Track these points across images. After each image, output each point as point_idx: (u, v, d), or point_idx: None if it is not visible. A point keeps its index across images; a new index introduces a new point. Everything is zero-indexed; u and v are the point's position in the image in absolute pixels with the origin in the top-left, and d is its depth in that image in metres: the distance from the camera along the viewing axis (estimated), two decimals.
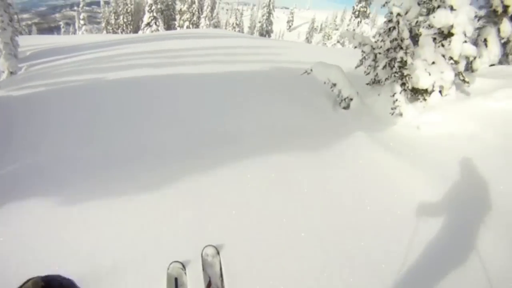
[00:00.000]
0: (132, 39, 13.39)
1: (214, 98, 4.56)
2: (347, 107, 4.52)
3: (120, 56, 7.82)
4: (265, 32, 39.52)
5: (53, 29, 37.61)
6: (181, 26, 29.29)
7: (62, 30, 35.49)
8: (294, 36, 53.94)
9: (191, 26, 28.97)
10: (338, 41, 25.68)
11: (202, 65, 6.67)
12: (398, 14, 4.20)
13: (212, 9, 36.86)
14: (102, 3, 38.23)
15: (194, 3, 28.79)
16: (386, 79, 4.52)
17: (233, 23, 40.65)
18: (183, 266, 2.02)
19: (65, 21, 46.49)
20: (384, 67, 4.53)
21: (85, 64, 7.19)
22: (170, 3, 35.03)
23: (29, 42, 16.51)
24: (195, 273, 1.99)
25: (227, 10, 59.54)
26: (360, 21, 28.15)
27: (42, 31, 40.19)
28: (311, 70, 4.48)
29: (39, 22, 52.24)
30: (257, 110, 4.22)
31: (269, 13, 39.48)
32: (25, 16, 54.76)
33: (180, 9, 29.75)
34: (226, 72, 5.93)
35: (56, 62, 9.04)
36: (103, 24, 36.93)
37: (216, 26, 36.30)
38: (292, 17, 63.21)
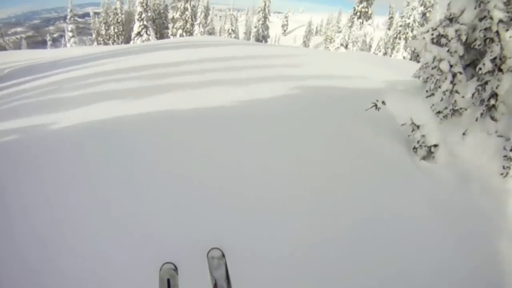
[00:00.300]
0: (121, 50, 11.85)
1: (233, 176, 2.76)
2: (427, 157, 2.99)
3: (94, 77, 6.22)
4: (262, 38, 38.13)
5: (46, 42, 36.59)
6: (174, 35, 27.85)
7: (49, 43, 34.02)
8: (290, 40, 52.81)
9: (184, 34, 27.51)
10: (341, 44, 24.30)
11: (201, 89, 5.10)
12: (501, 21, 2.71)
13: (206, 15, 35.65)
14: (91, 14, 37.07)
15: (187, 10, 27.36)
16: (481, 114, 3.00)
17: (228, 29, 39.28)
18: (175, 267, 1.92)
19: (59, 33, 45.61)
20: (473, 95, 3.04)
21: (46, 91, 5.55)
22: (162, 11, 33.79)
23: (14, 58, 14.96)
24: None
25: (220, 16, 58.49)
26: (362, 22, 26.87)
27: (36, 44, 39.46)
28: (383, 103, 2.92)
29: (33, 35, 51.69)
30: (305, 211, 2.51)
31: (265, 17, 38.12)
32: (19, 29, 54.59)
33: (173, 17, 28.31)
34: (237, 104, 4.26)
35: (21, 86, 7.39)
36: (94, 35, 35.76)
37: (211, 33, 35.11)
38: (287, 21, 62.24)
